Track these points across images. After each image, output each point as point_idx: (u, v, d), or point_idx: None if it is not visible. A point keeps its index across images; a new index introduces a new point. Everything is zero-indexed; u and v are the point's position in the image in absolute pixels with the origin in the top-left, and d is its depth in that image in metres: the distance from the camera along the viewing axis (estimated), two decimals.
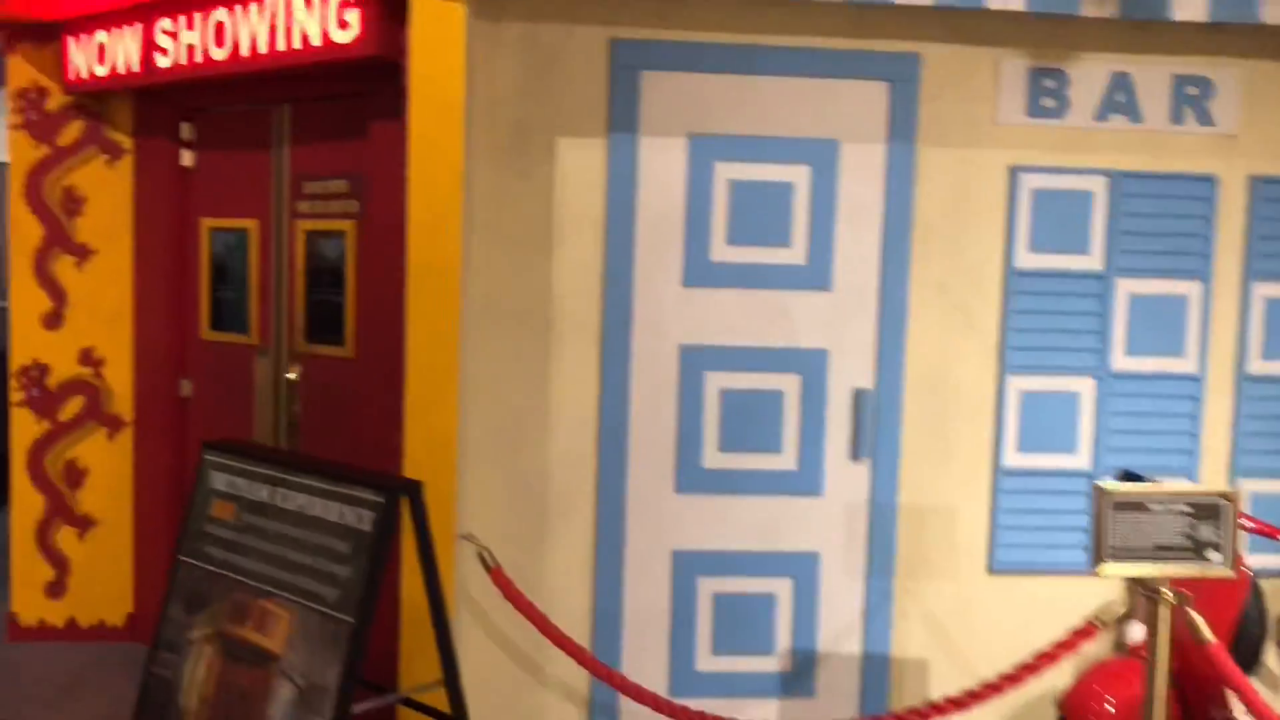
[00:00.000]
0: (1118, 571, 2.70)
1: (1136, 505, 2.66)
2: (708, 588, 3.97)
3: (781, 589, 4.00)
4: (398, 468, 3.81)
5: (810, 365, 3.95)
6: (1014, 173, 3.95)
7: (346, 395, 4.51)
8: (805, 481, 3.98)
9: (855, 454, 3.98)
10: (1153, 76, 3.96)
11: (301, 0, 4.11)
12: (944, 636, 4.03)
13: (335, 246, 4.54)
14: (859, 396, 3.97)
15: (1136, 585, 2.90)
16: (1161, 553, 2.70)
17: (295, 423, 4.74)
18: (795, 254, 3.93)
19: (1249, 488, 4.03)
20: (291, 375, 4.68)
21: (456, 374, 3.69)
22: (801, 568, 3.99)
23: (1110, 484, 2.70)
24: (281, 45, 4.18)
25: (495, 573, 3.60)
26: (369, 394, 4.35)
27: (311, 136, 4.68)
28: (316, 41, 4.07)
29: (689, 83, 3.87)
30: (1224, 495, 2.71)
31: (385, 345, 4.18)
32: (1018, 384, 4.00)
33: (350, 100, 4.41)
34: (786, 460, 3.97)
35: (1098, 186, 3.98)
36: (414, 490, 3.15)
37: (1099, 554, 2.69)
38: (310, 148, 4.68)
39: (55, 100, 5.09)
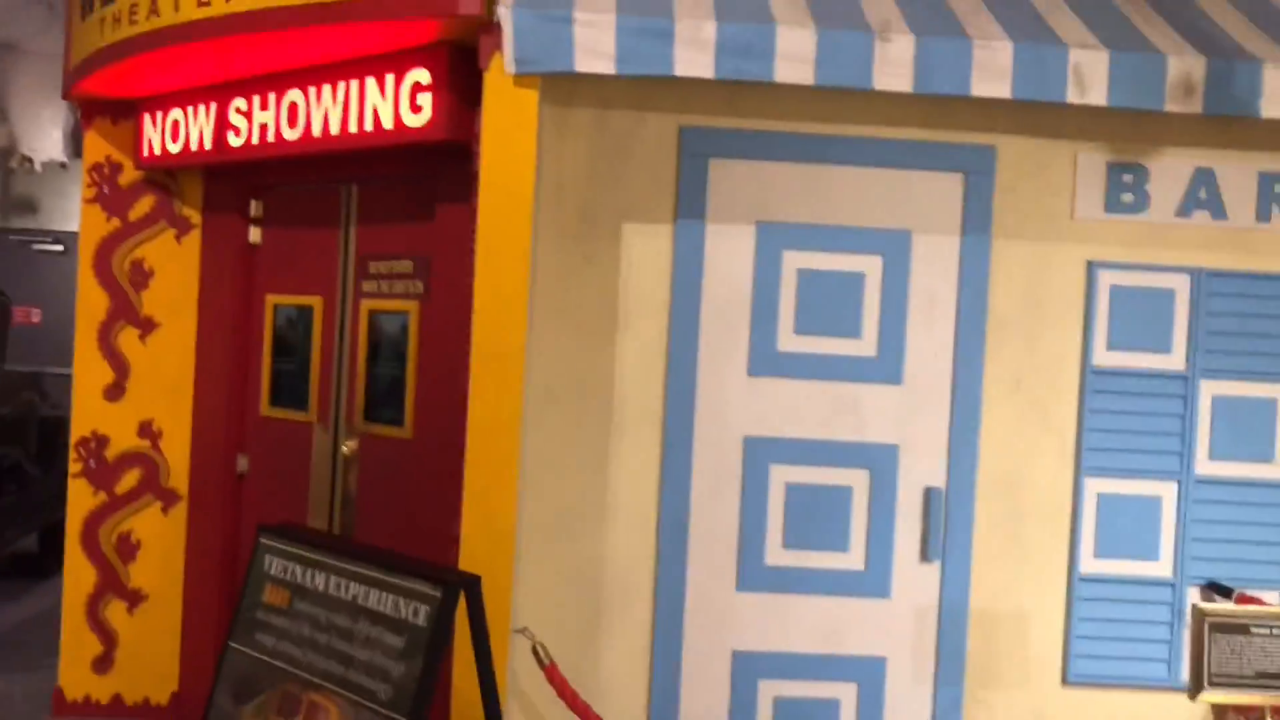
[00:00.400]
0: (1218, 699, 2.53)
1: (1238, 628, 2.50)
2: (768, 691, 3.82)
3: (846, 694, 3.83)
4: (452, 553, 3.73)
5: (879, 461, 3.83)
6: (1092, 268, 3.84)
7: (404, 476, 4.45)
8: (872, 582, 3.83)
9: (925, 555, 3.83)
10: (1238, 173, 3.85)
11: (375, 83, 4.15)
12: None
13: (398, 326, 4.52)
14: (930, 495, 3.83)
15: (1231, 711, 2.73)
16: (1265, 680, 2.53)
17: (351, 503, 4.68)
18: (865, 346, 3.84)
19: None
20: (346, 450, 4.63)
21: (517, 462, 3.62)
22: (867, 672, 3.83)
23: (1209, 605, 2.55)
24: (354, 127, 4.21)
25: (549, 669, 3.48)
26: (426, 476, 4.29)
27: (378, 216, 4.69)
28: (389, 124, 4.09)
29: (758, 171, 3.83)
30: None
31: (445, 427, 4.12)
32: (1095, 486, 3.84)
33: (418, 182, 4.42)
34: (853, 559, 3.83)
35: (1180, 284, 3.85)
36: (472, 585, 3.06)
37: (1198, 680, 2.52)
38: (377, 227, 4.69)
39: (128, 175, 5.17)
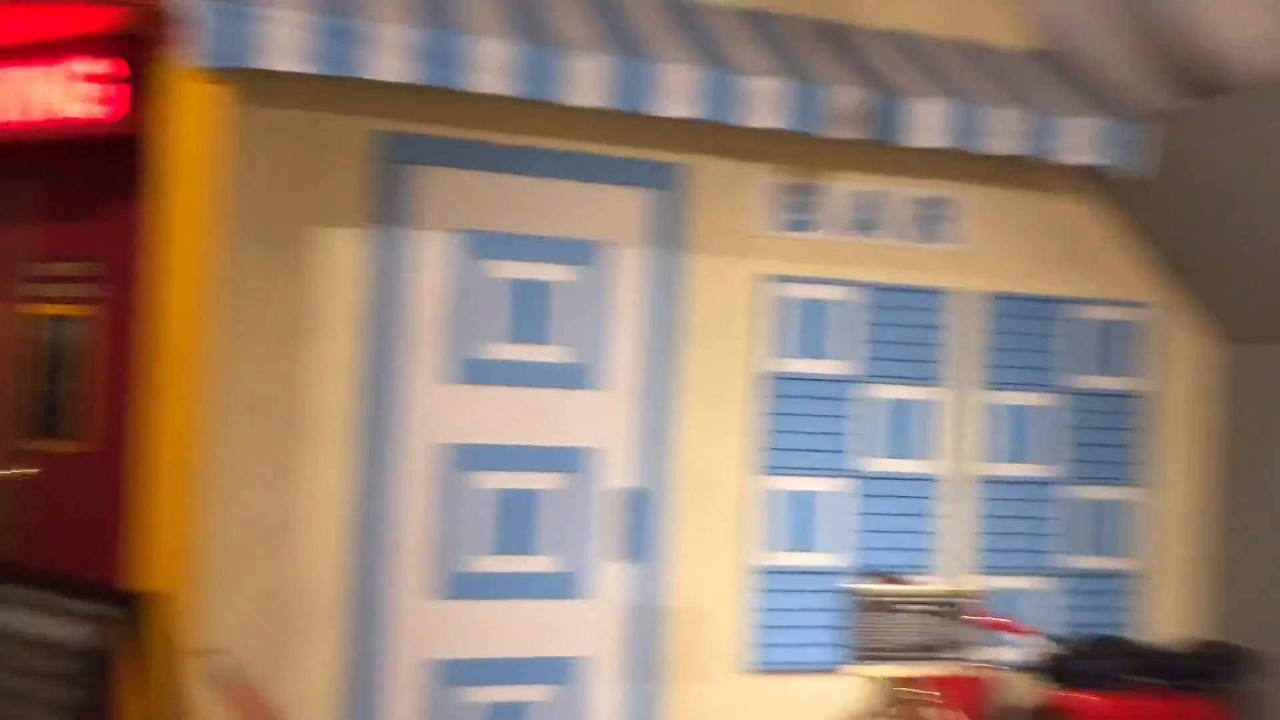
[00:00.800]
0: (867, 672, 2.76)
1: (883, 606, 2.75)
2: (469, 698, 3.82)
3: (547, 696, 3.89)
4: (136, 572, 3.51)
5: (577, 465, 3.93)
6: (771, 281, 4.11)
7: (83, 494, 4.13)
8: (573, 584, 3.92)
9: (622, 555, 3.96)
10: (898, 196, 4.23)
11: (48, 72, 3.86)
12: None
13: (73, 333, 4.20)
14: (626, 497, 3.97)
15: (890, 683, 2.98)
16: (908, 652, 2.80)
17: (19, 527, 4.30)
18: (563, 353, 3.93)
19: (988, 584, 4.24)
20: (10, 473, 4.26)
21: (199, 474, 3.45)
22: (569, 673, 3.91)
23: (858, 585, 2.79)
24: (22, 118, 3.90)
25: (237, 690, 3.34)
26: (108, 493, 4.01)
27: (49, 214, 4.35)
28: (62, 116, 3.82)
29: (457, 179, 3.85)
30: (964, 594, 2.84)
31: (128, 441, 3.87)
32: (775, 484, 4.10)
33: (94, 179, 4.14)
34: (554, 563, 3.91)
35: (848, 297, 4.19)
36: (142, 603, 2.89)
37: (850, 655, 2.75)
38: (50, 226, 4.35)
39: None
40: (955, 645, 2.82)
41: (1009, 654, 4.02)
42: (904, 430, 4.22)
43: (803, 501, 4.12)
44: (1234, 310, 4.35)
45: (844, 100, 3.69)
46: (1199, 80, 3.82)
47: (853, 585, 2.82)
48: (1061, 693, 3.89)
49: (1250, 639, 4.21)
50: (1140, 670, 3.99)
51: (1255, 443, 4.32)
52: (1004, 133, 3.84)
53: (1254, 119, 3.69)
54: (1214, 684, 4.04)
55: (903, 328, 4.23)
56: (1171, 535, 4.48)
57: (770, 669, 4.07)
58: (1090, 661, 3.98)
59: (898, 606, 2.79)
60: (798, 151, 4.09)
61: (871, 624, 2.75)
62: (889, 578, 3.15)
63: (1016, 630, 3.85)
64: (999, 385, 4.32)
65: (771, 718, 4.04)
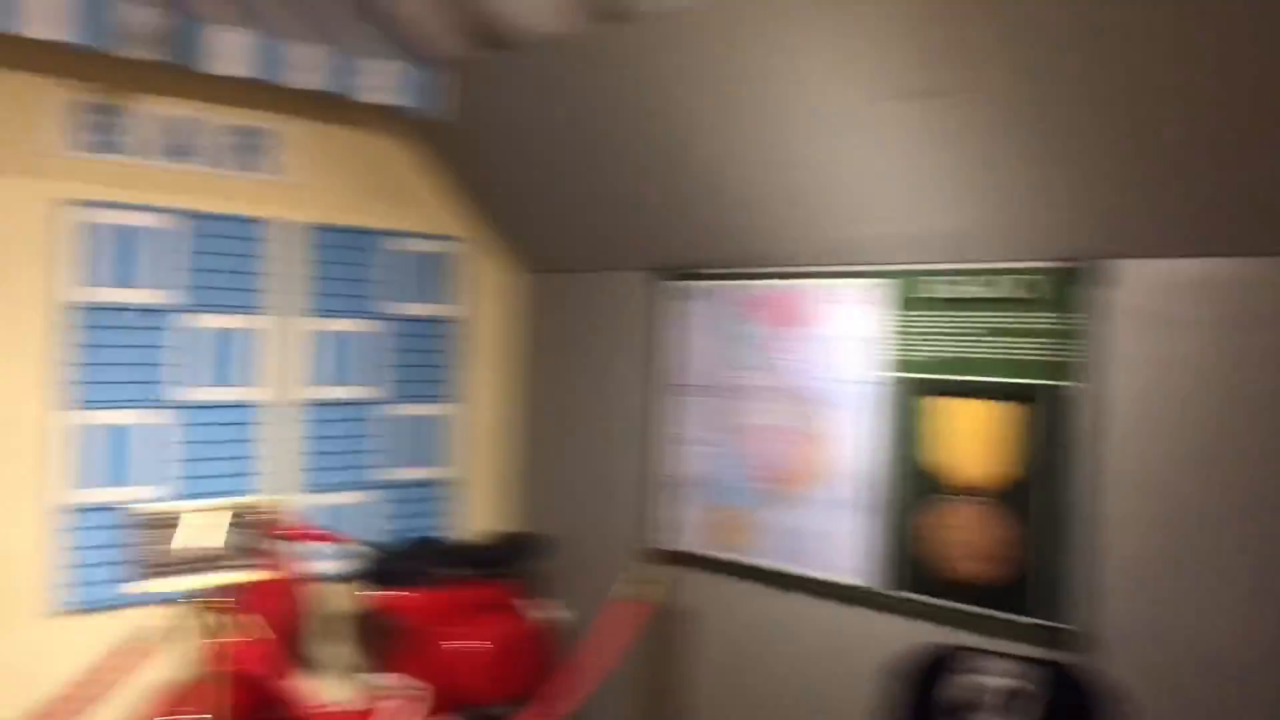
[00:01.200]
0: (158, 587, 2.81)
1: (166, 523, 2.80)
2: None
3: None
4: None
5: None
6: (72, 206, 3.90)
7: None
8: None
9: None
10: (212, 123, 4.21)
11: None
12: (12, 690, 3.78)
13: None
14: None
15: (187, 598, 3.04)
16: (201, 564, 2.88)
17: None
18: None
19: (315, 501, 4.46)
20: None
21: None
22: None
23: (144, 505, 2.81)
24: None
25: None
26: None
27: None
28: None
29: None
30: (255, 507, 2.99)
31: None
32: (87, 419, 3.93)
33: None
34: None
35: (163, 223, 4.10)
36: None
37: (137, 573, 2.77)
38: None
39: None
40: (246, 554, 2.96)
41: (329, 564, 4.27)
42: (226, 358, 4.26)
43: (118, 435, 4.00)
44: (530, 244, 4.95)
45: (136, 18, 3.58)
46: (491, 34, 4.26)
47: (132, 507, 2.83)
48: (379, 594, 4.23)
49: (547, 527, 4.90)
50: (450, 563, 4.46)
51: (549, 360, 4.99)
52: (307, 68, 3.98)
53: (536, 72, 4.20)
54: (513, 568, 4.65)
55: (223, 256, 4.25)
56: (482, 443, 5.04)
57: (84, 608, 3.93)
58: (404, 562, 4.37)
59: (187, 522, 2.85)
60: (100, 69, 3.89)
61: (155, 541, 2.79)
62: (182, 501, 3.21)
63: (329, 539, 4.10)
64: (322, 313, 4.51)
65: (82, 655, 3.89)
